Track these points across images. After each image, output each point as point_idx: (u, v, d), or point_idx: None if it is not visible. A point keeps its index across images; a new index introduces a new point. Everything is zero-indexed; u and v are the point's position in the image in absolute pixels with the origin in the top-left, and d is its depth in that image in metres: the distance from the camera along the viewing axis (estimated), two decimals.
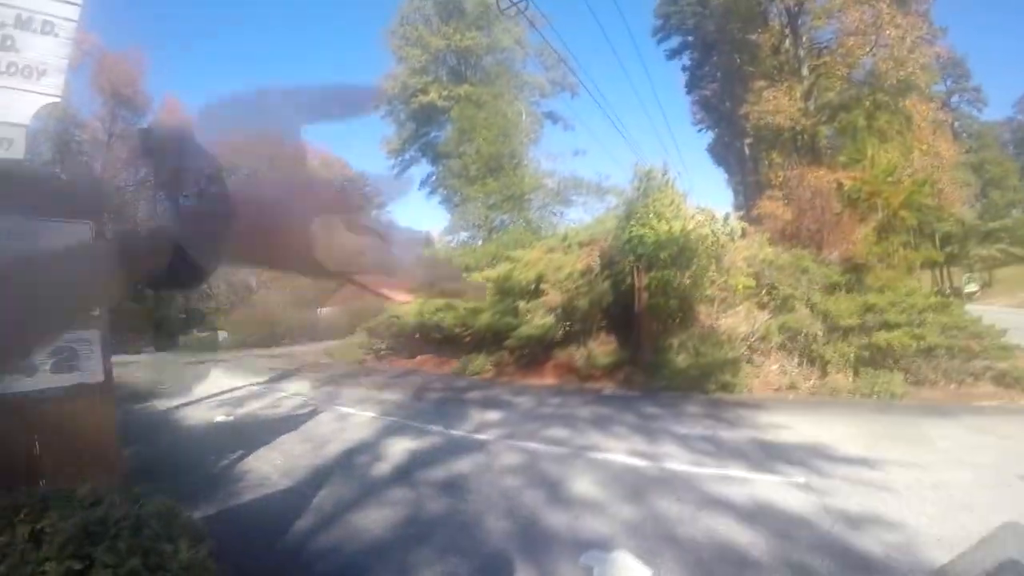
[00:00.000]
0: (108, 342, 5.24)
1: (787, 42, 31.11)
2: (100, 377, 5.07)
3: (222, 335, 43.44)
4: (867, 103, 27.08)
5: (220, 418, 12.89)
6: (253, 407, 14.19)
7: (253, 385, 18.14)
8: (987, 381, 12.49)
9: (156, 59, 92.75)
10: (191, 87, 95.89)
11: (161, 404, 15.12)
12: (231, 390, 17.12)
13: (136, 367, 25.98)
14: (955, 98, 51.57)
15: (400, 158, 36.02)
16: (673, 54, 44.06)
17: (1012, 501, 6.26)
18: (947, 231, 31.61)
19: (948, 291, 30.17)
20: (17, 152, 4.93)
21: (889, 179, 20.39)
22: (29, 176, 5.26)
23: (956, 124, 41.32)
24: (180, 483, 7.46)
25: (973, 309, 16.71)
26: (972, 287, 48.69)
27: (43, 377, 4.69)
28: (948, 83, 49.11)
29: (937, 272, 36.60)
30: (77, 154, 49.26)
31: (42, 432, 4.58)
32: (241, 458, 9.08)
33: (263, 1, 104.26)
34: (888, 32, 25.74)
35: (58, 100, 5.21)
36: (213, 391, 16.95)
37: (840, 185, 20.67)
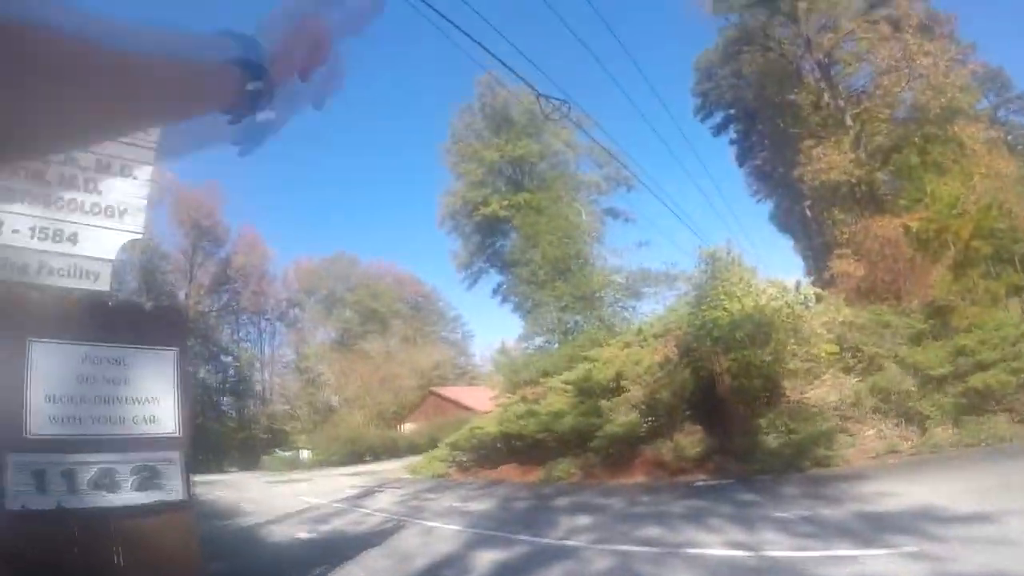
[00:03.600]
0: (189, 461, 5.40)
1: (826, 95, 31.10)
2: (182, 495, 5.21)
3: (304, 453, 44.17)
4: (916, 138, 26.60)
5: (303, 535, 12.91)
6: (336, 524, 14.20)
7: (336, 502, 18.32)
8: None
9: (231, 188, 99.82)
10: (264, 212, 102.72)
11: (246, 521, 15.38)
12: (314, 507, 17.37)
13: (221, 485, 26.64)
14: (1001, 111, 49.68)
15: (469, 270, 37.01)
16: (719, 130, 44.35)
17: None
18: None
19: None
20: (103, 284, 5.27)
21: (954, 211, 19.82)
22: (115, 307, 5.71)
23: (1009, 137, 39.59)
24: None
25: None
26: None
27: (126, 494, 4.87)
28: (991, 98, 47.42)
29: None
30: (162, 284, 52.41)
31: (125, 547, 4.69)
32: (324, 574, 9.08)
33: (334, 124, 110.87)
34: (919, 62, 25.50)
35: (140, 236, 5.64)
36: (297, 508, 17.22)
37: (907, 229, 20.16)
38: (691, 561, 7.96)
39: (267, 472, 38.02)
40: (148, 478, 4.99)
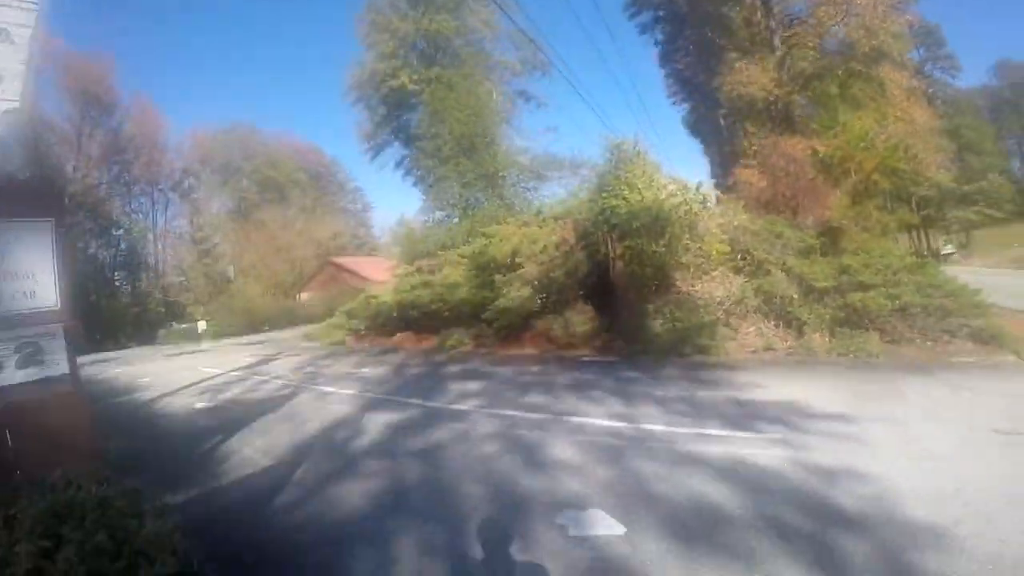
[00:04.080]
0: (73, 335, 5.23)
1: (759, 14, 30.87)
2: (65, 369, 5.09)
3: (201, 326, 43.31)
4: (840, 72, 26.95)
5: (201, 405, 12.81)
6: (234, 392, 14.16)
7: (234, 371, 18.13)
8: (964, 338, 12.50)
9: (125, 55, 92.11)
10: (160, 81, 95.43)
11: (143, 396, 15.02)
12: (212, 378, 17.10)
13: (117, 362, 25.83)
14: (929, 66, 51.62)
15: (373, 142, 35.73)
16: (645, 29, 43.90)
17: (986, 453, 6.22)
18: (924, 195, 31.52)
19: (926, 253, 30.12)
20: None
21: (862, 144, 20.38)
22: None
23: (931, 91, 41.20)
24: (164, 470, 7.51)
25: (950, 271, 16.77)
26: (949, 249, 49.26)
27: (8, 373, 4.75)
28: (922, 52, 49.10)
29: (914, 235, 36.70)
30: (46, 156, 48.48)
31: (12, 426, 4.61)
32: (222, 442, 9.07)
33: None
34: (859, 1, 25.56)
35: (16, 105, 5.20)
36: (194, 380, 16.92)
37: (814, 152, 20.64)
38: (572, 428, 8.25)
39: (164, 346, 37.05)
40: (31, 355, 4.89)
